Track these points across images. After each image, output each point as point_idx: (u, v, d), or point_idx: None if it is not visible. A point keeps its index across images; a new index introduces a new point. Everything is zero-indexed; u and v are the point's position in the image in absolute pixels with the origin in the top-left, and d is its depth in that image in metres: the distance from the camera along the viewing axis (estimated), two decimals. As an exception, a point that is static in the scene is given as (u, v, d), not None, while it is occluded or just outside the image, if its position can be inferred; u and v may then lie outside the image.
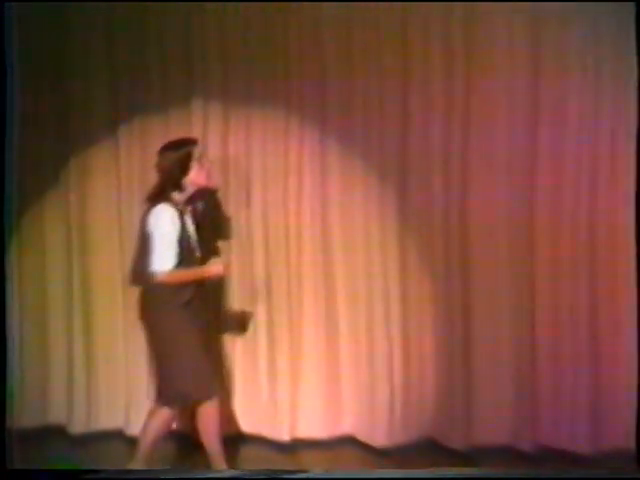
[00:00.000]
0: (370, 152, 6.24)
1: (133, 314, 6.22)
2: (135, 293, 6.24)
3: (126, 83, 6.33)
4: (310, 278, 6.33)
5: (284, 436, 6.31)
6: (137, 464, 5.57)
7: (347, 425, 6.40)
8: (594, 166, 6.02)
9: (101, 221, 6.45)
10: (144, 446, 5.55)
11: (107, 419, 6.52)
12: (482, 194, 6.17)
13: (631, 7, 5.79)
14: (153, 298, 5.43)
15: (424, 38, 6.14)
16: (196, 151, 5.45)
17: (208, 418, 5.53)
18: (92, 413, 6.51)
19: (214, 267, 5.46)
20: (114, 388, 6.52)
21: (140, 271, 5.46)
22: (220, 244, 6.16)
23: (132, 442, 6.09)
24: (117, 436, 6.45)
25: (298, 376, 6.35)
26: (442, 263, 6.21)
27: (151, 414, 5.56)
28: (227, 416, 5.95)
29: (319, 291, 6.34)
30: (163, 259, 5.30)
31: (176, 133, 6.09)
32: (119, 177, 6.41)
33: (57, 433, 6.44)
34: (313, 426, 6.36)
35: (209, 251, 5.73)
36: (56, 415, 6.50)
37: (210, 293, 5.89)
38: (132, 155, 6.37)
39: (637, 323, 5.63)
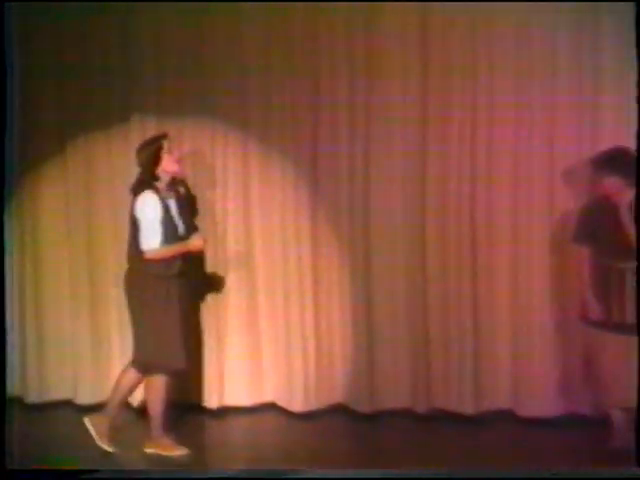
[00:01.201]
0: (286, 152, 6.66)
1: (79, 301, 6.82)
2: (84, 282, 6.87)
3: (72, 101, 6.71)
4: (234, 265, 6.75)
5: (213, 404, 6.74)
6: (104, 415, 6.00)
7: (268, 393, 6.85)
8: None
9: (50, 226, 6.87)
10: (112, 401, 6.00)
11: (57, 391, 6.94)
12: (382, 187, 6.59)
13: (631, 7, 5.81)
14: (142, 273, 5.85)
15: (330, 41, 6.57)
16: (166, 144, 5.89)
17: (158, 387, 5.93)
18: (43, 385, 6.91)
19: (195, 241, 5.96)
20: (62, 364, 6.93)
21: (132, 251, 5.90)
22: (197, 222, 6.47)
23: (80, 410, 6.61)
24: (66, 405, 6.87)
25: (224, 351, 6.75)
26: (347, 249, 6.67)
27: (123, 373, 6.02)
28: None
29: (242, 275, 6.77)
30: (150, 239, 5.78)
31: (117, 149, 6.62)
32: (67, 189, 6.82)
33: (15, 403, 6.75)
34: (238, 394, 6.79)
35: (190, 229, 6.08)
36: (13, 387, 6.73)
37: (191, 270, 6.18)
38: (78, 170, 6.80)
39: (637, 322, 5.68)
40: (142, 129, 6.64)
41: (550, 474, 5.45)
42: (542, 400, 6.45)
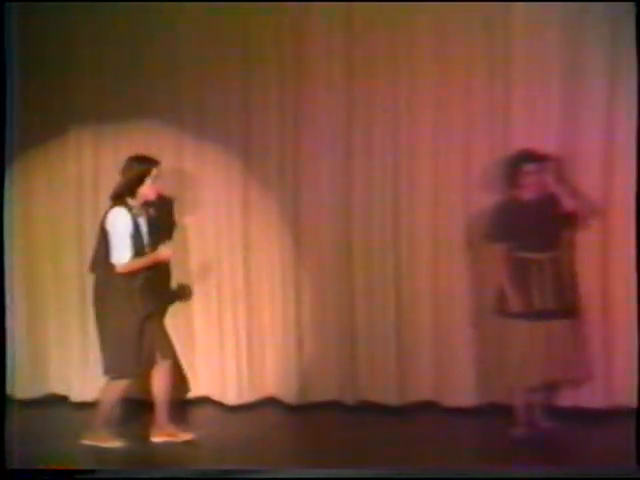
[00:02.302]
0: (219, 153, 6.84)
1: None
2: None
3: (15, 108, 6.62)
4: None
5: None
6: (97, 430, 6.18)
7: (202, 387, 7.02)
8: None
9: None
10: (101, 414, 6.20)
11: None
12: (311, 188, 6.81)
13: (631, 7, 5.82)
14: (107, 285, 6.04)
15: (260, 44, 6.74)
16: (155, 171, 6.06)
17: (116, 391, 6.15)
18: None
19: (163, 252, 6.09)
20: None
21: (98, 261, 6.08)
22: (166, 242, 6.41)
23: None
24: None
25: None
26: (278, 248, 6.88)
27: (105, 387, 6.21)
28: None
29: (176, 273, 6.83)
30: (121, 252, 5.96)
31: (55, 162, 6.82)
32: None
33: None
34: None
35: (157, 247, 6.17)
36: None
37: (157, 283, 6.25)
38: (17, 181, 6.90)
39: (637, 315, 5.83)
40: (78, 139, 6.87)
41: (548, 474, 5.50)
42: (463, 391, 6.70)
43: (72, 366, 7.03)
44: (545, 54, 6.50)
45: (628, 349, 6.36)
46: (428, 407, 6.82)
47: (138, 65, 6.86)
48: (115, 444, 6.22)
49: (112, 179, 6.27)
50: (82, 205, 6.98)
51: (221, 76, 6.84)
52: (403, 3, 6.57)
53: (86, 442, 6.22)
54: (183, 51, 6.87)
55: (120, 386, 6.18)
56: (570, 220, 6.26)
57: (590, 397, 6.52)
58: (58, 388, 7.17)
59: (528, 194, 6.20)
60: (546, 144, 6.40)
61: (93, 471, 5.65)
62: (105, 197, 6.26)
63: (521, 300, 6.15)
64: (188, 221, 6.99)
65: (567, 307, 6.22)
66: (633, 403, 6.12)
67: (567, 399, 6.56)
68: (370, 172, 6.80)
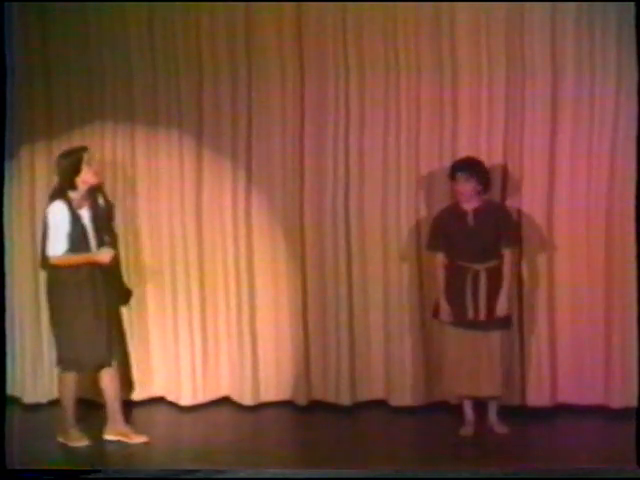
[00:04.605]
0: (172, 151, 6.93)
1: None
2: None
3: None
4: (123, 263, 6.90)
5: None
6: (66, 429, 6.28)
7: (158, 388, 7.11)
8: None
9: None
10: (65, 408, 6.28)
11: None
12: (263, 184, 6.91)
13: (631, 7, 5.84)
14: (53, 279, 6.15)
15: (212, 39, 6.83)
16: (85, 156, 6.14)
17: (68, 384, 6.23)
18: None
19: (102, 255, 6.16)
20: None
21: (43, 256, 6.19)
22: (113, 233, 6.60)
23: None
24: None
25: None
26: (232, 250, 6.93)
27: (58, 381, 6.34)
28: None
29: (131, 273, 6.96)
30: (55, 245, 6.05)
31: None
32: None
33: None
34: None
35: (103, 240, 6.27)
36: None
37: (103, 276, 6.26)
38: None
39: (637, 319, 5.88)
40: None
41: (548, 474, 5.56)
42: (411, 391, 6.81)
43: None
44: (491, 53, 6.61)
45: (628, 349, 6.48)
46: (378, 406, 6.91)
47: (89, 65, 6.95)
48: (82, 443, 6.31)
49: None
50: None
51: (174, 74, 6.93)
52: (353, 3, 6.68)
53: (60, 439, 6.33)
54: (135, 49, 6.95)
55: (70, 380, 6.26)
56: (507, 232, 6.34)
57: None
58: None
59: (464, 203, 6.27)
60: (491, 146, 6.59)
61: (98, 471, 5.73)
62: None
63: (454, 309, 6.25)
64: (141, 220, 7.05)
65: (501, 318, 6.29)
66: (633, 403, 6.22)
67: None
68: (322, 180, 6.89)
